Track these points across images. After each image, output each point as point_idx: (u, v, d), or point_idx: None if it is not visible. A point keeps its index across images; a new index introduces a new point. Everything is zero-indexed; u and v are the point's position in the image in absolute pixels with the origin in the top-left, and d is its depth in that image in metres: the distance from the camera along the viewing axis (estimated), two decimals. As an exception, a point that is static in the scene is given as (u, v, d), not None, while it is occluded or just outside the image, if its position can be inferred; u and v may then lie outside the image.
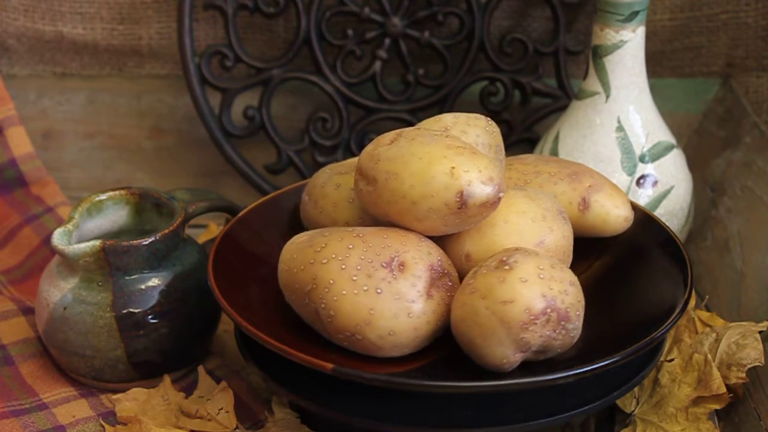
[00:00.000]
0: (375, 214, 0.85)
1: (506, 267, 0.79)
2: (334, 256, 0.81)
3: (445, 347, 0.83)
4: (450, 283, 0.82)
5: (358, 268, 0.80)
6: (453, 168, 0.81)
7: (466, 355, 0.81)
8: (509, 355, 0.79)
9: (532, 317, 0.78)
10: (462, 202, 0.81)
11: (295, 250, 0.84)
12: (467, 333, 0.79)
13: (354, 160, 0.94)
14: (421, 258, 0.81)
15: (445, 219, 0.82)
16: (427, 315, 0.81)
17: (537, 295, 0.78)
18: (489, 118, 0.90)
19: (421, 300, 0.80)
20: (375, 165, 0.83)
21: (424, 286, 0.81)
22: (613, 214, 0.92)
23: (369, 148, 0.84)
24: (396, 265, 0.80)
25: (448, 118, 0.89)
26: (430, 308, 0.81)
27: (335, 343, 0.82)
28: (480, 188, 0.81)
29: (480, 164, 0.81)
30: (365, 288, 0.80)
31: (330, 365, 0.78)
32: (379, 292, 0.80)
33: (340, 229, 0.84)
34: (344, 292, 0.80)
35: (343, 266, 0.80)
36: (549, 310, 0.78)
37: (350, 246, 0.81)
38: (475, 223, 0.83)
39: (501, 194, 0.82)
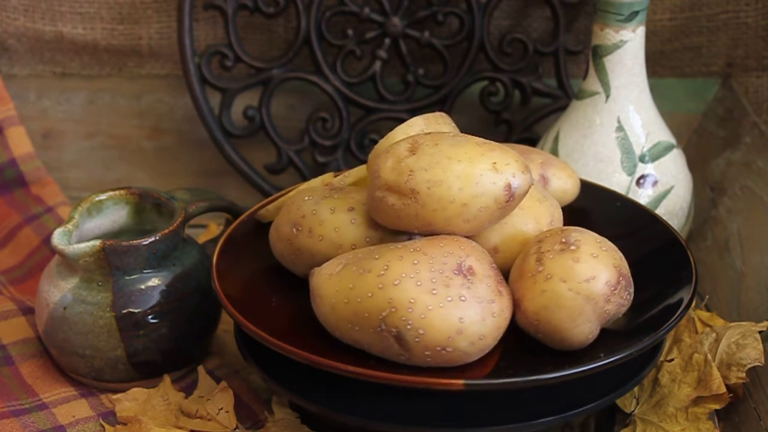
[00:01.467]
0: (413, 226, 0.83)
1: (572, 247, 0.81)
2: (403, 275, 0.78)
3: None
4: (501, 278, 0.83)
5: (433, 281, 0.79)
6: (495, 163, 0.81)
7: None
8: (594, 330, 0.81)
9: (612, 288, 0.81)
10: (510, 195, 0.82)
11: (345, 280, 0.80)
12: (552, 319, 0.80)
13: (321, 180, 0.93)
14: (482, 258, 0.82)
15: (491, 215, 0.82)
16: (504, 312, 0.81)
17: (611, 266, 0.81)
18: (443, 113, 0.92)
19: (497, 298, 0.81)
20: (409, 177, 0.81)
21: (494, 284, 0.81)
22: (570, 184, 0.95)
23: (389, 163, 0.82)
24: (466, 270, 0.80)
25: (418, 121, 0.89)
26: (504, 304, 0.81)
27: (414, 365, 0.80)
28: (521, 178, 0.82)
29: (512, 155, 0.83)
30: (449, 299, 0.78)
31: (461, 382, 0.78)
32: (464, 299, 0.79)
33: (386, 248, 0.81)
34: (430, 308, 0.78)
35: (418, 283, 0.79)
36: (621, 279, 0.82)
37: (415, 261, 0.79)
38: (507, 215, 0.84)
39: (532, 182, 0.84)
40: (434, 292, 0.78)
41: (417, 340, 0.78)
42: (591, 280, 0.80)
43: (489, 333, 0.80)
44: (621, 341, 0.82)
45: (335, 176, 0.93)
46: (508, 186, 0.81)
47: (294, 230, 0.87)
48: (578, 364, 0.79)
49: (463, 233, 0.83)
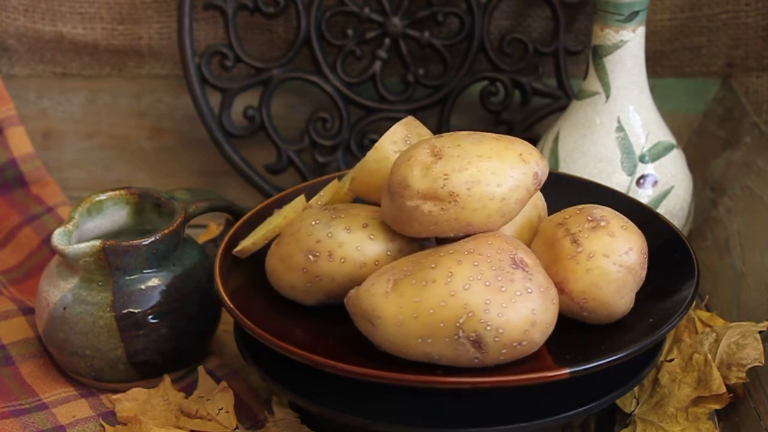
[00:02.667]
0: (450, 229, 0.82)
1: (603, 223, 0.85)
2: (470, 278, 0.78)
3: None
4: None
5: (498, 278, 0.79)
6: (521, 155, 0.83)
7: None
8: (633, 298, 0.85)
9: (644, 255, 0.85)
10: (537, 183, 0.84)
11: (408, 295, 0.79)
12: (600, 295, 0.83)
13: (296, 207, 0.91)
14: (525, 249, 0.83)
15: (522, 206, 0.84)
16: (557, 297, 0.82)
17: (639, 236, 0.86)
18: (412, 117, 0.92)
19: (550, 285, 0.82)
20: (446, 182, 0.81)
21: (544, 272, 0.82)
22: None
23: (417, 172, 0.81)
24: (520, 263, 0.81)
25: (399, 129, 0.89)
26: (555, 290, 0.82)
27: (485, 366, 0.80)
28: (543, 166, 0.84)
29: (530, 145, 0.84)
30: (518, 293, 0.79)
31: (566, 371, 0.78)
32: (530, 291, 0.79)
33: (434, 255, 0.81)
34: (504, 305, 0.78)
35: (487, 283, 0.79)
36: (646, 246, 0.86)
37: (475, 263, 0.79)
38: None
39: None
40: (503, 289, 0.79)
41: (496, 339, 0.78)
42: (629, 251, 0.84)
43: (552, 320, 0.81)
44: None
45: (308, 201, 0.92)
46: (536, 175, 0.83)
47: (310, 257, 0.85)
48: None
49: (497, 227, 0.84)
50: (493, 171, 0.81)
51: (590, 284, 0.83)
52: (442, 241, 0.84)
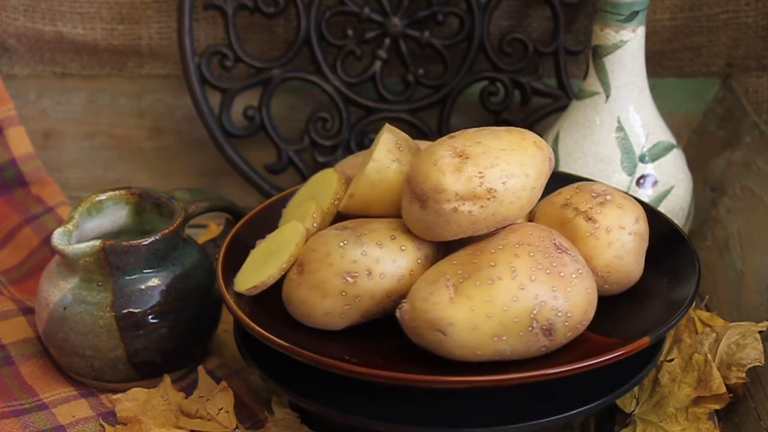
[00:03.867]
0: (487, 226, 0.82)
1: (608, 197, 0.88)
2: (533, 268, 0.80)
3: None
4: None
5: (554, 265, 0.81)
6: (535, 142, 0.84)
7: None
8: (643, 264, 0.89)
9: (646, 221, 0.89)
10: (551, 167, 0.86)
11: (476, 297, 0.79)
12: (622, 266, 0.87)
13: (298, 233, 0.88)
14: (557, 233, 0.85)
15: (542, 191, 0.86)
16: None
17: (637, 203, 0.89)
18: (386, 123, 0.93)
19: (585, 264, 0.84)
20: (482, 180, 0.81)
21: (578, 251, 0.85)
22: None
23: (450, 175, 0.80)
24: (561, 246, 0.82)
25: (389, 138, 0.88)
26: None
27: (554, 350, 0.81)
28: (551, 150, 0.86)
29: (535, 134, 0.86)
30: (573, 275, 0.81)
31: (647, 339, 0.81)
32: (581, 272, 0.82)
33: (484, 252, 0.81)
34: (568, 290, 0.80)
35: (547, 271, 0.80)
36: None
37: (531, 254, 0.80)
38: None
39: None
40: (561, 274, 0.80)
41: (566, 324, 0.80)
42: (638, 219, 0.88)
43: (596, 297, 0.83)
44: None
45: (306, 227, 0.89)
46: (550, 160, 0.85)
47: (348, 279, 0.82)
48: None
49: (522, 217, 0.86)
50: (519, 162, 0.82)
51: (613, 257, 0.86)
52: (465, 240, 0.84)
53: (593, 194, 0.88)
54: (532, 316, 0.79)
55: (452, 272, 0.80)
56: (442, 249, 0.85)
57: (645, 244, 0.88)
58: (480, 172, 0.81)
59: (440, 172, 0.81)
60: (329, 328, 0.84)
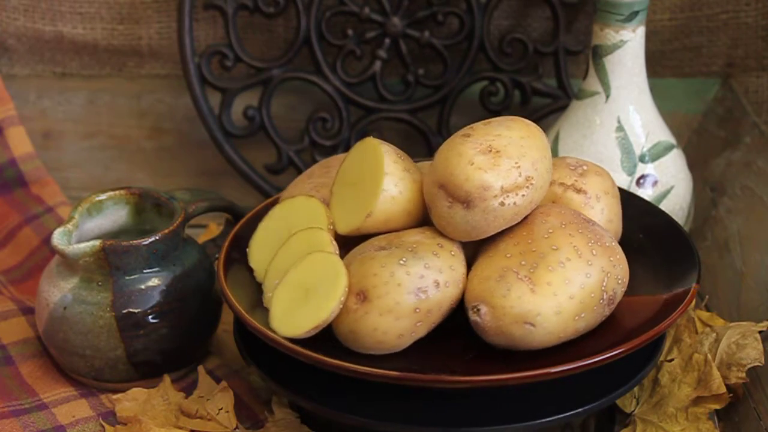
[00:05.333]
0: (524, 213, 0.84)
1: (584, 167, 0.91)
2: (589, 244, 0.83)
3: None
4: None
5: (597, 236, 0.84)
6: (537, 128, 0.86)
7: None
8: None
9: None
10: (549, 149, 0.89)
11: (556, 282, 0.80)
12: (614, 227, 0.90)
13: (322, 244, 0.85)
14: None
15: None
16: None
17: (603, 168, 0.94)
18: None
19: None
20: (519, 170, 0.82)
21: None
22: None
23: (490, 172, 0.81)
24: (588, 220, 0.86)
25: (389, 150, 0.87)
26: None
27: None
28: None
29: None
30: (612, 243, 0.85)
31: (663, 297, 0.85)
32: (612, 238, 0.86)
33: (538, 238, 0.83)
34: (618, 256, 0.85)
35: (598, 243, 0.84)
36: None
37: (580, 231, 0.84)
38: None
39: None
40: (606, 244, 0.84)
41: (622, 290, 0.85)
42: (614, 182, 0.92)
43: None
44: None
45: (330, 241, 0.86)
46: (548, 143, 0.88)
47: (420, 295, 0.81)
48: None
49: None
50: (537, 147, 0.84)
51: (607, 221, 0.90)
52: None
53: (570, 167, 0.91)
54: (602, 288, 0.82)
55: (515, 265, 0.81)
56: (468, 248, 0.85)
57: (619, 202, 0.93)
58: (516, 163, 0.82)
59: (481, 170, 0.81)
60: (395, 351, 0.82)
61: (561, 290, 0.80)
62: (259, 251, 0.90)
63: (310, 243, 0.85)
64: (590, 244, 0.83)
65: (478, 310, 0.81)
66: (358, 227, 0.85)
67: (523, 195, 0.83)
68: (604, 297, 0.82)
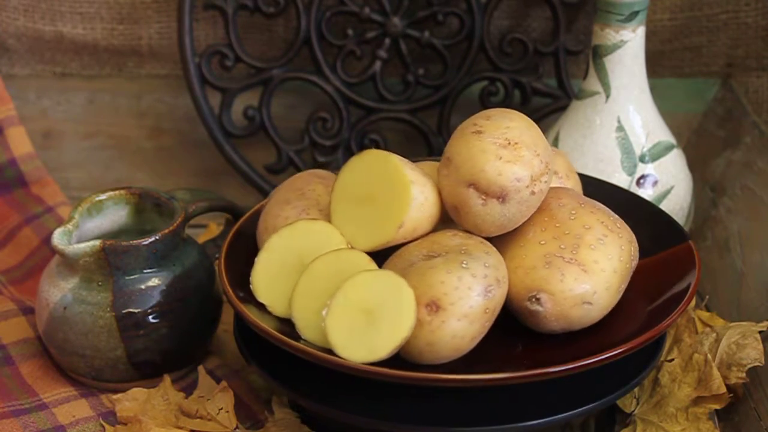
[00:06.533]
0: (544, 197, 0.86)
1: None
2: (609, 218, 0.86)
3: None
4: None
5: (605, 211, 0.87)
6: (529, 119, 0.88)
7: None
8: None
9: None
10: None
11: (600, 260, 0.83)
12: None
13: (350, 256, 0.84)
14: None
15: None
16: None
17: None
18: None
19: None
20: (540, 157, 0.84)
21: None
22: None
23: (519, 165, 0.83)
24: (596, 202, 0.89)
25: (395, 159, 0.85)
26: None
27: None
28: None
29: None
30: (615, 215, 0.88)
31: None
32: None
33: (564, 220, 0.85)
34: (624, 225, 0.87)
35: (612, 217, 0.86)
36: None
37: (597, 207, 0.87)
38: None
39: None
40: (614, 216, 0.87)
41: (638, 257, 0.88)
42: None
43: None
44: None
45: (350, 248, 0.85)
46: None
47: (489, 295, 0.80)
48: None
49: None
50: (539, 135, 0.86)
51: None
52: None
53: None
54: (632, 257, 0.86)
55: (556, 249, 0.84)
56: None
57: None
58: (536, 152, 0.84)
59: (510, 164, 0.83)
60: (463, 353, 0.81)
61: (607, 266, 0.83)
62: (268, 285, 0.86)
63: (341, 265, 0.83)
64: (611, 218, 0.86)
65: (538, 299, 0.82)
66: (388, 241, 0.84)
67: (545, 181, 0.85)
68: (632, 264, 0.86)
